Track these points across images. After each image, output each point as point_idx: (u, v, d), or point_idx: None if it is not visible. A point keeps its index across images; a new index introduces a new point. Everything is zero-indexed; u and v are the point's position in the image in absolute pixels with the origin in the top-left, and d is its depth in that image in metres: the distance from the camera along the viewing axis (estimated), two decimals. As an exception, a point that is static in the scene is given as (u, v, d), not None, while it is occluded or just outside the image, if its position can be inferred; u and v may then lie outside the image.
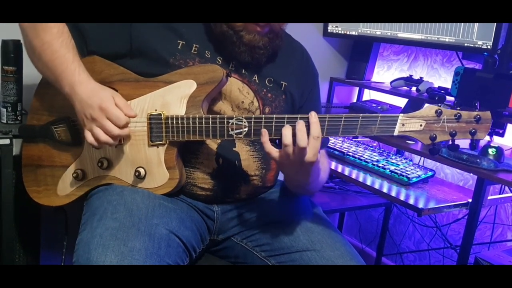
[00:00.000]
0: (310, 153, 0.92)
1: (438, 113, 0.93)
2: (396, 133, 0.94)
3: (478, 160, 1.39)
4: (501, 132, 1.56)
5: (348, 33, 1.99)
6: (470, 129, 0.93)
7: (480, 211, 1.45)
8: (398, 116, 0.93)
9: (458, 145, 0.94)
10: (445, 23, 1.68)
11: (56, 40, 1.00)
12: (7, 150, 1.23)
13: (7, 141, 1.22)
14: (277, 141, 1.23)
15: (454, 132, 0.93)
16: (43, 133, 1.11)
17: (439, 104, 0.93)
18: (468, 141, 0.96)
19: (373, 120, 0.93)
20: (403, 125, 0.93)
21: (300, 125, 0.91)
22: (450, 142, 0.94)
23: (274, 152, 0.94)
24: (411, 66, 2.08)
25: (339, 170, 1.62)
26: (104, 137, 0.97)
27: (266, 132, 0.94)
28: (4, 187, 1.25)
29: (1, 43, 1.25)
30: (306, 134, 0.91)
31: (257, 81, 1.12)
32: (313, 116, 0.92)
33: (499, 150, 1.42)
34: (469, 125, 0.93)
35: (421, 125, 0.93)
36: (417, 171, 1.59)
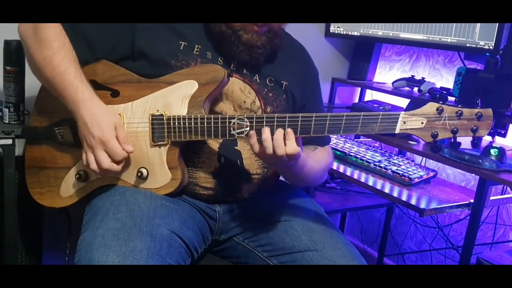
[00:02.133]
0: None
1: (440, 111, 0.92)
2: (397, 131, 0.93)
3: (480, 160, 1.39)
4: (503, 132, 1.56)
5: (350, 33, 1.99)
6: (472, 126, 0.92)
7: (482, 211, 1.44)
8: (399, 114, 0.93)
9: (459, 143, 0.94)
10: (447, 23, 1.67)
11: (57, 54, 1.00)
12: (9, 150, 1.23)
13: (9, 141, 1.22)
14: None
15: (455, 129, 0.92)
16: (46, 134, 1.11)
17: (441, 102, 0.93)
18: (470, 141, 0.95)
19: (374, 118, 0.93)
20: (404, 123, 0.93)
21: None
22: (452, 140, 0.94)
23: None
24: (413, 66, 2.08)
25: (341, 170, 1.62)
26: (94, 165, 0.99)
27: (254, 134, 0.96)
28: (7, 187, 1.25)
29: (4, 43, 1.25)
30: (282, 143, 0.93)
31: (258, 81, 1.13)
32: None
33: (501, 150, 1.42)
34: (471, 122, 0.92)
35: (422, 123, 0.93)
36: (419, 172, 1.59)
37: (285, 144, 0.93)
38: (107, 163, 0.98)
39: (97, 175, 1.06)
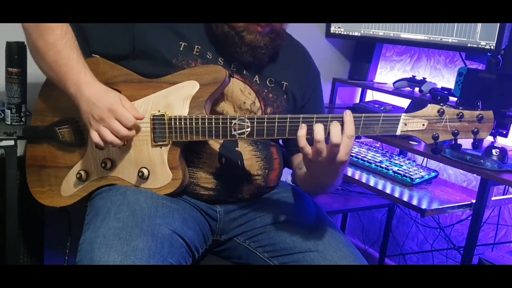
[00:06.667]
0: (342, 152, 0.89)
1: (441, 113, 0.92)
2: (398, 132, 0.93)
3: (481, 160, 1.39)
4: (504, 132, 1.56)
5: (350, 33, 1.99)
6: (473, 128, 0.93)
7: (484, 212, 1.44)
8: (400, 116, 0.93)
9: (460, 145, 0.94)
10: (448, 24, 1.67)
11: (59, 40, 1.01)
12: (11, 151, 1.23)
13: (11, 142, 1.23)
14: (280, 141, 1.23)
15: (456, 131, 0.93)
16: (47, 133, 1.12)
17: (442, 104, 0.93)
18: (471, 141, 0.96)
19: (375, 120, 0.93)
20: (405, 124, 0.93)
21: (334, 123, 0.89)
22: (453, 142, 0.94)
23: (308, 148, 0.90)
24: (414, 66, 2.08)
25: (342, 171, 1.62)
26: (111, 137, 0.98)
27: (304, 126, 0.90)
28: (9, 188, 1.26)
29: (6, 45, 1.25)
30: (340, 131, 0.89)
31: (258, 82, 1.13)
32: (348, 115, 0.89)
33: (503, 150, 1.42)
34: (472, 124, 0.93)
35: (423, 125, 0.93)
36: (420, 172, 1.59)
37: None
38: (123, 130, 0.98)
39: (98, 174, 1.07)
